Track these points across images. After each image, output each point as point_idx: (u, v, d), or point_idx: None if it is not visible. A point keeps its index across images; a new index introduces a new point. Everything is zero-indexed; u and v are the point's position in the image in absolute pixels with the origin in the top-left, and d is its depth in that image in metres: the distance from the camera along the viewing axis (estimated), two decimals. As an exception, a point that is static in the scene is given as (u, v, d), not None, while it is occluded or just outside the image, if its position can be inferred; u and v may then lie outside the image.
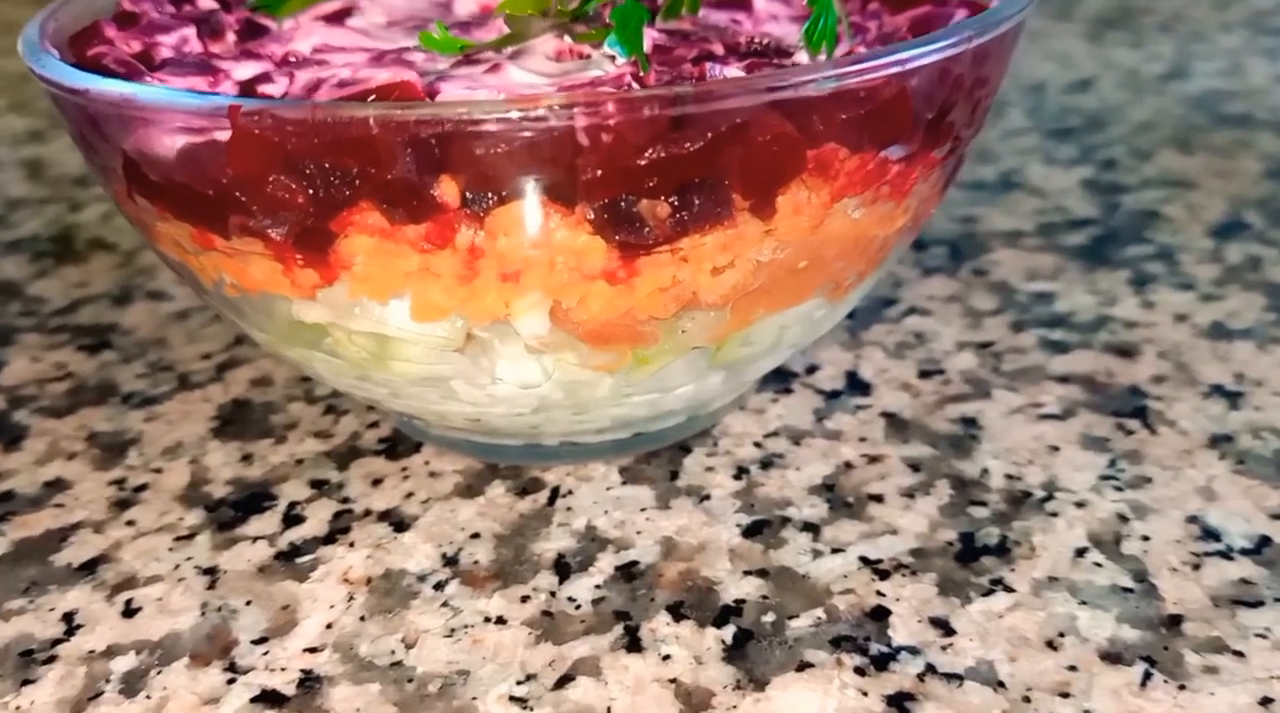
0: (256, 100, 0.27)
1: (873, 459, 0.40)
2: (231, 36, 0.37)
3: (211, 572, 0.36)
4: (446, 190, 0.28)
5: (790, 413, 0.43)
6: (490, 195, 0.28)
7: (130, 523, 0.38)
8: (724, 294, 0.31)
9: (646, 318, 0.31)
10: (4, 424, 0.44)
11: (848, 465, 0.40)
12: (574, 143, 0.27)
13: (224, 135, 0.28)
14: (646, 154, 0.27)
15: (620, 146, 0.27)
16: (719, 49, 0.35)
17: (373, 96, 0.28)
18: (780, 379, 0.45)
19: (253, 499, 0.39)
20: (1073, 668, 0.31)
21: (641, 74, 0.31)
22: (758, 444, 0.41)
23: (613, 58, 0.31)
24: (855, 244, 0.33)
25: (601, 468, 0.40)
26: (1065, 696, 0.30)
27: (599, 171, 0.27)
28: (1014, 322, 0.48)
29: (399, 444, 0.42)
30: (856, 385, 0.44)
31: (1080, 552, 0.35)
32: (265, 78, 0.33)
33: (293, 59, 0.35)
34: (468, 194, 0.28)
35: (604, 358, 0.32)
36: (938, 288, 0.51)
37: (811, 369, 0.45)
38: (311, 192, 0.28)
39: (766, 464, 0.40)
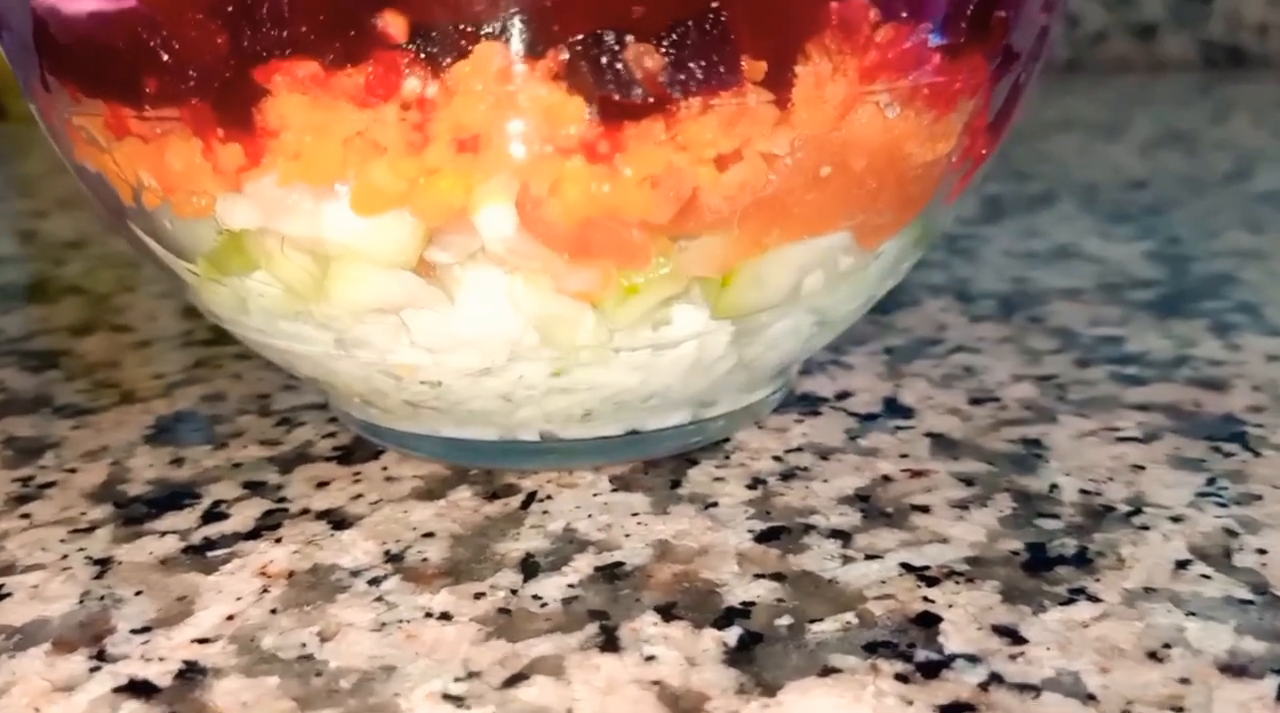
0: (167, -105, 0.23)
1: (916, 474, 0.33)
2: None
3: (104, 563, 0.30)
4: (391, 21, 0.23)
5: (817, 432, 0.36)
6: (443, 30, 0.23)
7: (25, 515, 0.32)
8: (730, 196, 0.26)
9: (636, 222, 0.25)
10: (-85, 430, 0.39)
11: (886, 479, 0.33)
12: (544, -41, 0.22)
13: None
14: (632, -28, 0.22)
15: (599, -43, 0.22)
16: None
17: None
18: (805, 403, 0.38)
19: (172, 497, 0.33)
20: (1184, 681, 0.23)
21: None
22: (778, 458, 0.34)
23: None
24: (889, 161, 0.27)
25: (589, 475, 0.33)
26: (1178, 710, 0.23)
27: (574, -6, 0.22)
28: (1079, 359, 0.42)
29: (356, 451, 0.36)
30: (896, 410, 0.38)
31: (1182, 564, 0.28)
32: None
33: None
34: (416, 27, 0.23)
35: (584, 278, 0.26)
36: (988, 331, 0.45)
37: (843, 395, 0.39)
38: (233, 30, 0.23)
39: (787, 476, 0.33)
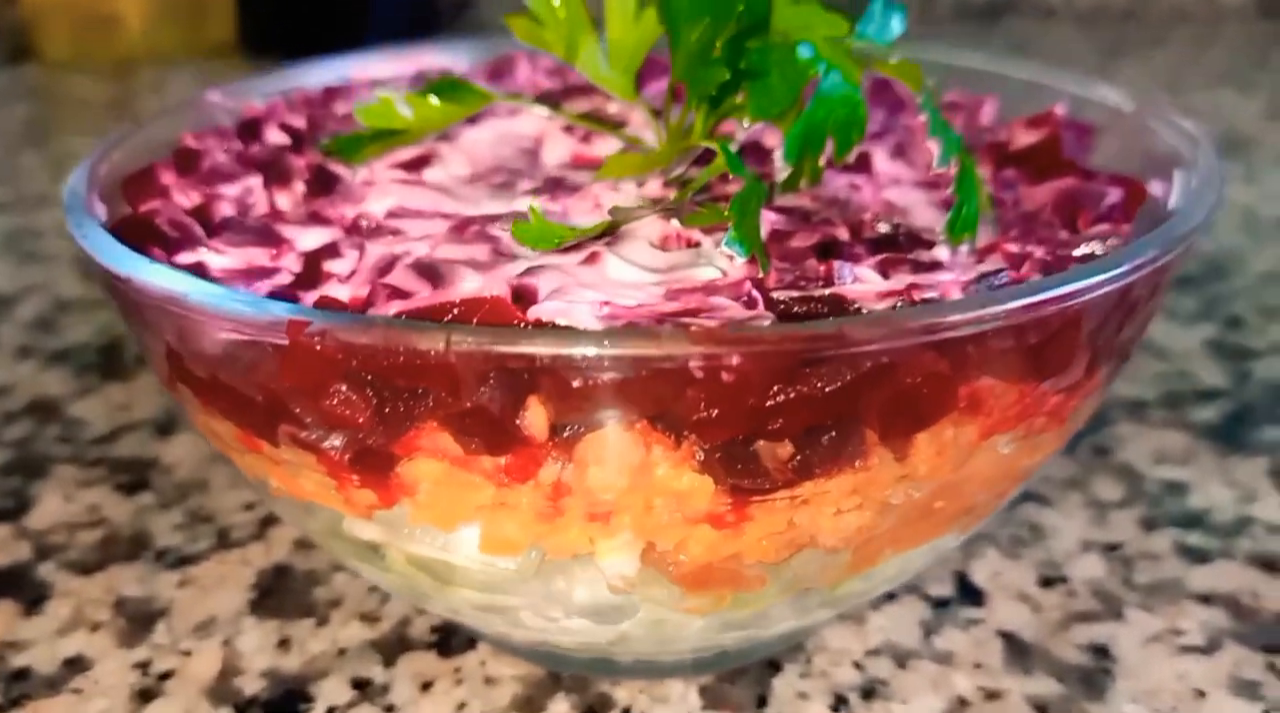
0: (318, 313, 0.23)
1: (991, 695, 0.35)
2: (300, 187, 0.34)
3: (234, 794, 0.32)
4: (533, 420, 0.24)
5: (894, 625, 0.38)
6: (583, 427, 0.24)
7: (151, 721, 0.34)
8: (846, 537, 0.27)
9: (753, 562, 0.26)
10: (27, 579, 0.41)
11: (962, 702, 0.34)
12: (687, 377, 0.23)
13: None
14: (772, 396, 0.23)
15: (741, 387, 0.22)
16: (843, 233, 0.30)
17: (456, 309, 0.24)
18: (881, 578, 0.40)
19: (287, 699, 0.35)
20: None
21: (761, 275, 0.27)
22: (858, 665, 0.36)
23: (729, 255, 0.27)
24: (1001, 479, 0.28)
25: (679, 687, 0.35)
26: None
27: (714, 411, 0.23)
28: (1144, 518, 0.43)
29: (453, 636, 0.37)
30: (968, 593, 0.39)
31: None
32: (332, 250, 0.29)
33: (364, 223, 0.31)
34: (556, 425, 0.24)
35: (699, 601, 0.28)
36: (1054, 468, 0.46)
37: (916, 567, 0.40)
38: (376, 410, 0.24)
39: (868, 693, 0.35)
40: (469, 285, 0.25)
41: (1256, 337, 0.56)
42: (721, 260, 0.27)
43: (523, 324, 0.24)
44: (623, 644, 0.31)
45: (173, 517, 0.44)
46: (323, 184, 0.34)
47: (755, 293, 0.25)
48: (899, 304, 0.25)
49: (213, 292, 0.24)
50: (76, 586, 0.40)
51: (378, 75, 0.44)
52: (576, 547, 0.26)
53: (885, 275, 0.27)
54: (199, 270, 0.27)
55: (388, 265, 0.28)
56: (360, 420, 0.24)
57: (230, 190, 0.33)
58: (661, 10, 0.29)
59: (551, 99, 0.38)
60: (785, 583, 0.28)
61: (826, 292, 0.26)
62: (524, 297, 0.25)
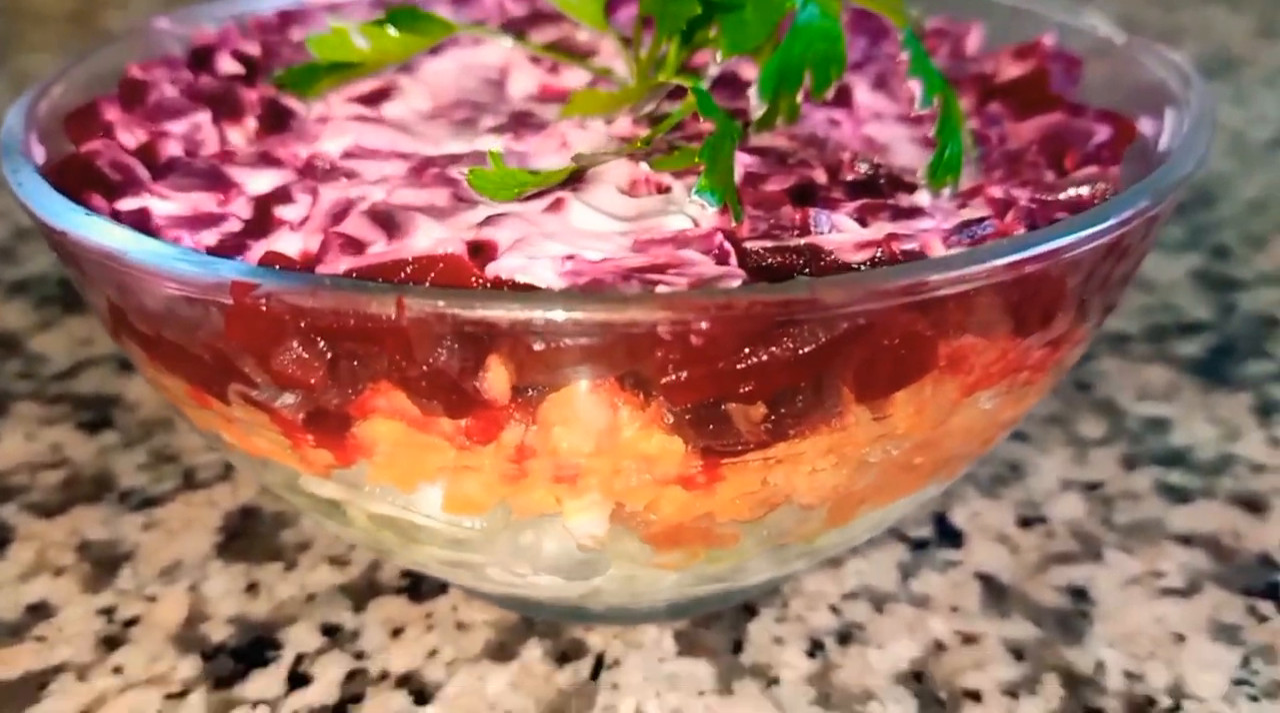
0: (264, 273, 0.22)
1: (968, 639, 0.34)
2: (252, 123, 0.32)
3: (202, 746, 0.31)
4: (495, 382, 0.23)
5: (872, 569, 0.37)
6: (547, 388, 0.23)
7: (117, 670, 0.34)
8: (823, 495, 0.26)
9: (727, 520, 0.26)
10: (-12, 522, 0.40)
11: (939, 646, 0.34)
12: (654, 340, 0.22)
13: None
14: (744, 358, 0.22)
15: (711, 350, 0.21)
16: (820, 175, 0.29)
17: (410, 267, 0.23)
18: (858, 519, 0.39)
19: (256, 646, 0.34)
20: None
21: (734, 224, 0.26)
22: (834, 609, 0.36)
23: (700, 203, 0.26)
24: (983, 431, 0.27)
25: (654, 632, 0.35)
26: None
27: (683, 374, 0.22)
28: (1125, 456, 0.42)
29: (423, 582, 0.37)
30: (946, 534, 0.39)
31: (1217, 789, 0.30)
32: (284, 194, 0.28)
33: (318, 164, 0.29)
34: (519, 387, 0.23)
35: (672, 558, 0.27)
36: (1036, 404, 0.45)
37: (894, 507, 0.40)
38: (328, 370, 0.23)
39: (844, 637, 0.34)
40: (426, 236, 0.24)
41: (1243, 267, 0.55)
42: (693, 208, 0.26)
43: (481, 283, 0.22)
44: (595, 597, 0.30)
45: (136, 456, 0.43)
46: (276, 120, 0.32)
47: (727, 245, 0.24)
48: (877, 255, 0.24)
49: (153, 248, 0.23)
50: (39, 528, 0.39)
51: (337, -1, 0.42)
52: (543, 507, 0.25)
53: (864, 223, 0.26)
54: (142, 217, 0.26)
55: (342, 212, 0.27)
56: (312, 381, 0.23)
57: (178, 127, 0.31)
58: (630, -62, 0.27)
59: (518, 28, 0.37)
60: (760, 539, 0.27)
61: (802, 242, 0.24)
62: (483, 251, 0.24)
